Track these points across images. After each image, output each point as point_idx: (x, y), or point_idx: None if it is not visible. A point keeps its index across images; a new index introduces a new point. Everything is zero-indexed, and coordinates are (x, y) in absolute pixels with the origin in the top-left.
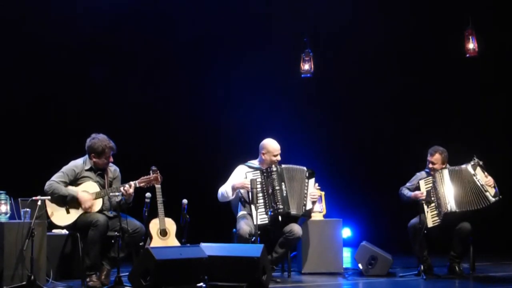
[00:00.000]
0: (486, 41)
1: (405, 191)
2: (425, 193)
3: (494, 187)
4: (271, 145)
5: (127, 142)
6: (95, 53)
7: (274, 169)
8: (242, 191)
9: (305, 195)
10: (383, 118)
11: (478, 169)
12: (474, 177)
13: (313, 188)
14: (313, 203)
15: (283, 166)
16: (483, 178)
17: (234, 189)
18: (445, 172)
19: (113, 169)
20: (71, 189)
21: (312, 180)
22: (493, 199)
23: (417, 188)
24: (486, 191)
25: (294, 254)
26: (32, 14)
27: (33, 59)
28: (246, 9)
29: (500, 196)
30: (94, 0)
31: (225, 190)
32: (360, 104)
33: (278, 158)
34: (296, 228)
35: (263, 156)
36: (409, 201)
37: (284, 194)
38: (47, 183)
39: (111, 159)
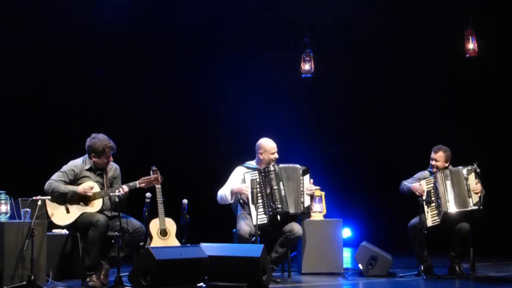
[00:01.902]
0: (486, 42)
1: (406, 182)
2: (425, 190)
3: (479, 196)
4: (267, 144)
5: (127, 142)
6: (96, 53)
7: (272, 168)
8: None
9: (302, 192)
10: (383, 118)
11: (472, 175)
12: (465, 181)
13: (308, 184)
14: (311, 197)
15: (280, 165)
16: (472, 184)
17: (232, 193)
18: (447, 172)
19: (113, 168)
20: (71, 186)
21: (307, 176)
22: (472, 207)
23: None
24: (470, 197)
25: (294, 254)
26: (35, 12)
27: (34, 59)
28: (246, 8)
29: (481, 207)
30: (95, 1)
31: (224, 194)
32: (361, 104)
33: (276, 156)
34: (296, 228)
35: (260, 156)
36: (408, 191)
37: (283, 194)
38: (47, 183)
39: (111, 159)
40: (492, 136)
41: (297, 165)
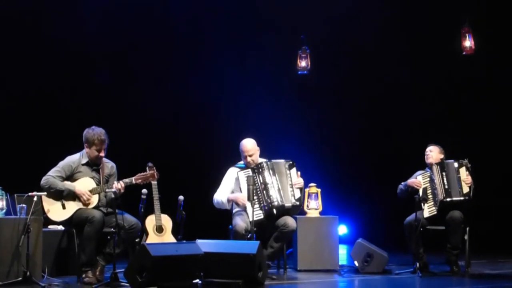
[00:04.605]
0: (482, 39)
1: (403, 182)
2: (422, 183)
3: (469, 187)
4: (242, 146)
5: (124, 139)
6: (96, 52)
7: (265, 164)
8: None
9: (291, 185)
10: (380, 116)
11: (463, 169)
12: (457, 173)
13: (296, 177)
14: (300, 190)
15: (272, 160)
16: (463, 176)
17: (229, 201)
18: (443, 164)
19: (110, 166)
20: (68, 184)
21: (293, 170)
22: (461, 197)
23: None
24: (460, 187)
25: (290, 251)
26: (37, 13)
27: (33, 56)
28: (243, 7)
29: (470, 198)
30: (95, 1)
31: (221, 201)
32: (357, 101)
33: (253, 158)
34: (290, 221)
35: (242, 157)
36: (405, 189)
37: (277, 188)
38: (44, 178)
39: (102, 153)
40: (490, 133)
41: (282, 160)
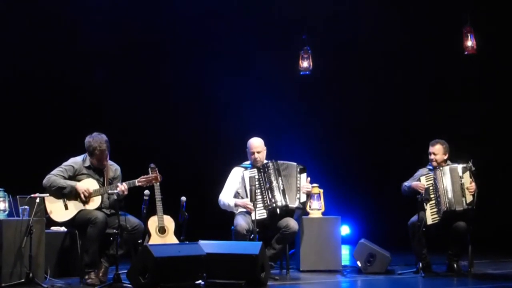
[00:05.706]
0: (484, 39)
1: (406, 183)
2: (425, 185)
3: (473, 195)
4: (249, 143)
5: (127, 140)
6: (96, 52)
7: (270, 165)
8: (240, 191)
9: (298, 188)
10: (382, 116)
11: (467, 174)
12: (461, 179)
13: (305, 182)
14: (307, 195)
15: (283, 162)
16: (467, 183)
17: (236, 205)
18: (446, 169)
19: (114, 168)
20: (70, 181)
21: (304, 175)
22: (465, 206)
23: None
24: (464, 196)
25: (293, 251)
26: (37, 13)
27: (33, 57)
28: (243, 7)
29: (474, 207)
30: (94, 2)
31: (228, 204)
32: (359, 101)
33: (260, 156)
34: (292, 223)
35: (248, 155)
36: (409, 191)
37: (281, 188)
38: (46, 177)
39: (105, 162)
40: (491, 132)
41: (294, 163)
